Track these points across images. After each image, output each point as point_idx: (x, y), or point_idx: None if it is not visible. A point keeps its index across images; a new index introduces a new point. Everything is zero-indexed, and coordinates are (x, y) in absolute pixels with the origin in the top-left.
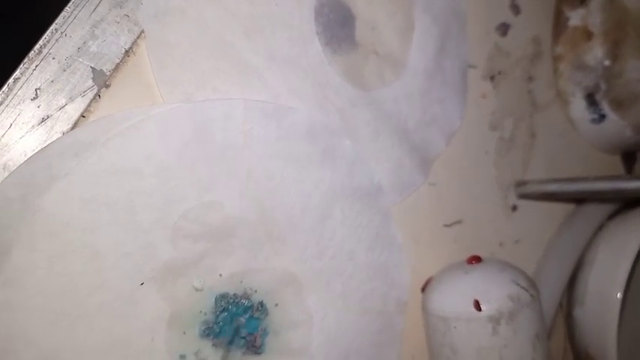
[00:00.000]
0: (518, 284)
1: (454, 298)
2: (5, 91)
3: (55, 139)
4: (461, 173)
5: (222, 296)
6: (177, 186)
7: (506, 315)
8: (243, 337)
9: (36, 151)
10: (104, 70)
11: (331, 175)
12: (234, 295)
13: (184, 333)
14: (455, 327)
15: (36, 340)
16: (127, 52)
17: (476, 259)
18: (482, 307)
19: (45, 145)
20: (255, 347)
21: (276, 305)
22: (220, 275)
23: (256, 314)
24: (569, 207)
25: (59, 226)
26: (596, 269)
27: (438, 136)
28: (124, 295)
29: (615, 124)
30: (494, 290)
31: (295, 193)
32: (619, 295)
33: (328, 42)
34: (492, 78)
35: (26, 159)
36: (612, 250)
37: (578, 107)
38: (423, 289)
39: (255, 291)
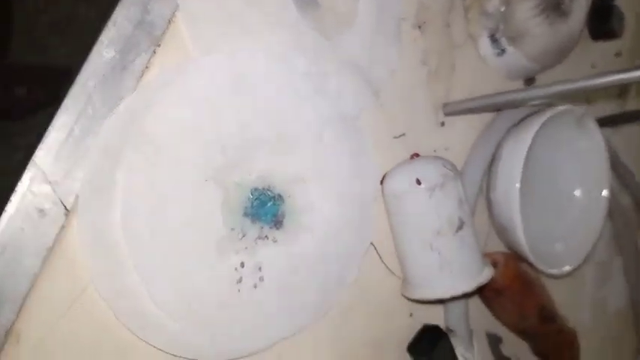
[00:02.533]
0: (445, 166)
1: (402, 179)
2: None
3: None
4: (402, 97)
5: (255, 189)
6: (226, 119)
7: (438, 185)
8: (270, 217)
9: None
10: (156, 34)
11: (323, 103)
12: (262, 188)
13: (232, 213)
14: (404, 199)
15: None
16: (169, 20)
17: (416, 155)
18: (422, 182)
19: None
20: (278, 224)
21: (289, 197)
22: (250, 174)
23: (277, 202)
24: (484, 121)
25: (154, 137)
26: (503, 162)
27: (383, 71)
28: (195, 187)
29: (513, 56)
30: (429, 171)
31: (300, 119)
32: (517, 185)
33: (300, 6)
34: (420, 27)
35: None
36: (512, 148)
37: (485, 45)
38: (382, 182)
39: (275, 187)
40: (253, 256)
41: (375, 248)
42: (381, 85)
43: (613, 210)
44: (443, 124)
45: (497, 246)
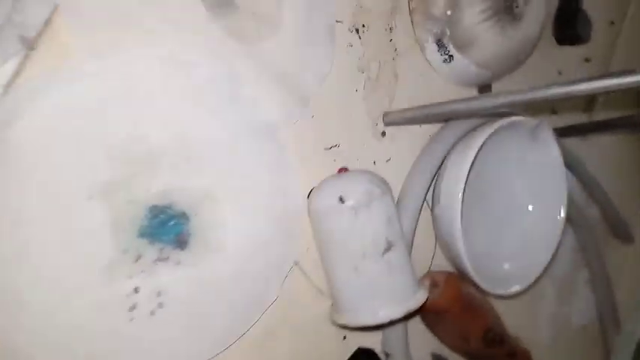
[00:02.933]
0: (372, 183)
1: (326, 197)
2: None
3: None
4: (336, 107)
5: (154, 207)
6: (114, 119)
7: (363, 204)
8: (173, 237)
9: None
10: (29, 36)
11: (237, 113)
12: (163, 206)
13: (125, 233)
14: (328, 217)
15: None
16: (45, 21)
17: (344, 170)
18: (345, 200)
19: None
20: (182, 244)
21: (196, 215)
22: (148, 190)
23: (180, 220)
24: (430, 131)
25: (24, 149)
26: (446, 177)
27: (312, 78)
28: (76, 204)
29: (462, 62)
30: (354, 188)
31: (208, 130)
32: (459, 197)
33: (211, 6)
34: (357, 30)
35: None
36: (457, 159)
37: (432, 50)
38: (308, 197)
39: (178, 204)
40: (151, 280)
41: (301, 268)
42: (311, 93)
43: (577, 221)
44: (384, 133)
45: (445, 266)
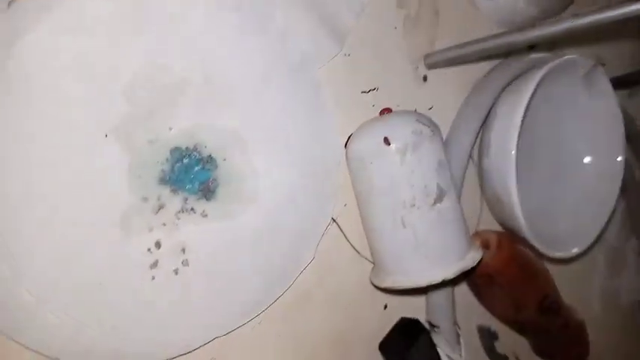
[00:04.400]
0: (420, 122)
1: (369, 140)
2: None
3: None
4: (373, 46)
5: (176, 149)
6: (131, 47)
7: (410, 146)
8: (198, 185)
9: None
10: None
11: (266, 44)
12: (187, 148)
13: (144, 179)
14: (371, 163)
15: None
16: None
17: (387, 110)
18: (391, 142)
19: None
20: (208, 194)
21: (225, 160)
22: (170, 129)
23: (207, 166)
24: (477, 76)
25: (30, 72)
26: (497, 126)
27: (347, 11)
28: (89, 143)
29: None
30: (400, 128)
31: (235, 60)
32: (513, 152)
33: None
34: None
35: None
36: (508, 110)
37: None
38: (346, 145)
39: (205, 146)
40: (174, 235)
41: (339, 225)
42: (347, 27)
43: (627, 185)
44: (425, 78)
45: (491, 225)
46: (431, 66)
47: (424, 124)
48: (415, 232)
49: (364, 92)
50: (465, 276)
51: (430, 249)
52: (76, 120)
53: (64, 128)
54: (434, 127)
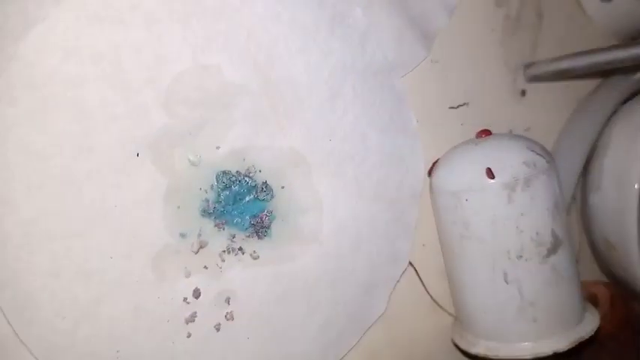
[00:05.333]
0: (533, 151)
1: (465, 170)
2: None
3: None
4: (466, 51)
5: (224, 173)
6: (169, 43)
7: (521, 181)
8: (249, 219)
9: None
10: None
11: (341, 46)
12: (237, 172)
13: (183, 210)
14: (467, 200)
15: (16, 204)
16: None
17: (486, 133)
18: (496, 175)
19: None
20: (262, 230)
21: (283, 188)
22: (218, 148)
23: (261, 195)
24: (583, 92)
25: (40, 77)
26: (612, 153)
27: (438, 9)
28: (116, 163)
29: (627, 1)
30: (507, 157)
31: (302, 64)
32: (637, 186)
33: None
34: None
35: None
36: (628, 133)
37: None
38: (430, 173)
39: (260, 170)
40: (217, 281)
41: (416, 271)
42: (436, 28)
43: None
44: (524, 93)
45: (591, 274)
46: (532, 79)
47: (538, 154)
48: (521, 289)
49: (452, 108)
50: None
51: (540, 311)
52: (99, 135)
53: (83, 145)
54: (549, 159)
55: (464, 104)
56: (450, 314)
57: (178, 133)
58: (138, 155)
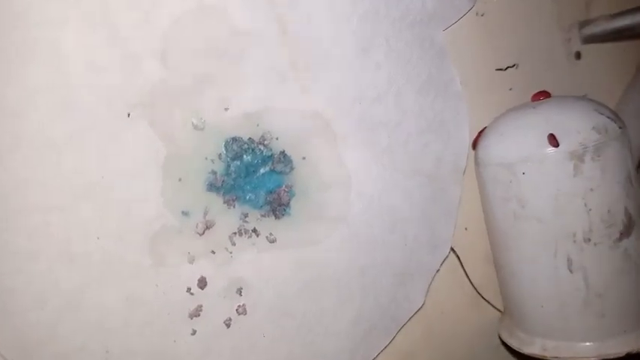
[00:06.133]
0: (602, 114)
1: (521, 138)
2: None
3: None
4: (515, 5)
5: (234, 140)
6: None
7: (591, 149)
8: (264, 195)
9: None
10: None
11: None
12: (250, 139)
13: (186, 183)
14: (523, 173)
15: None
16: None
17: (544, 94)
18: (560, 142)
19: None
20: (279, 208)
21: (304, 159)
22: (227, 110)
23: (278, 167)
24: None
25: (9, 18)
26: None
27: None
28: (101, 124)
29: None
30: (573, 122)
31: (326, 12)
32: None
33: None
34: None
35: None
36: None
37: None
38: (475, 144)
39: (277, 138)
40: (227, 268)
41: (459, 257)
42: None
43: None
44: (578, 55)
45: None
46: (587, 39)
47: (609, 118)
48: (587, 279)
49: (499, 70)
50: None
51: (609, 305)
52: (80, 89)
53: (62, 101)
54: (622, 123)
55: (513, 66)
56: (496, 309)
57: (178, 90)
58: (129, 116)
